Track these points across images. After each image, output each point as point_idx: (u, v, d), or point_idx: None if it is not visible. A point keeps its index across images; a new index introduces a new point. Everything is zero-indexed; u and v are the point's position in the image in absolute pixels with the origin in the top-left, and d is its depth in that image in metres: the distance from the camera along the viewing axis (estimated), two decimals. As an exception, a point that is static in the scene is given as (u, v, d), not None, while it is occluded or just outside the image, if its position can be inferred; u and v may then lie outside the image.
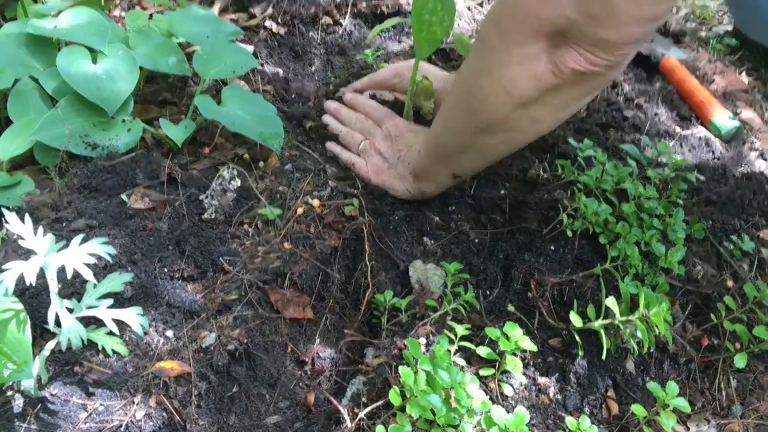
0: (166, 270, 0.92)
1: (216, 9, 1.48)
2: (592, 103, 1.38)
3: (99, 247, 0.71)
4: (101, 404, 0.77)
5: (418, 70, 1.15)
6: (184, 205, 1.00)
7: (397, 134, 1.12)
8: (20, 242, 0.68)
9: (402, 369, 0.75)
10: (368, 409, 0.79)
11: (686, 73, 1.50)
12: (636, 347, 0.88)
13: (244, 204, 1.03)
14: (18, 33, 1.11)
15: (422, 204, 1.11)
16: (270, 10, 1.48)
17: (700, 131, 1.38)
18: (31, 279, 0.66)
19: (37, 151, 1.04)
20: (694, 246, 1.10)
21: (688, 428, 0.92)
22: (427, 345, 0.87)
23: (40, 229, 0.71)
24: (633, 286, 0.92)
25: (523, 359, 0.89)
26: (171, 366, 0.82)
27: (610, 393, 0.92)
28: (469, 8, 1.57)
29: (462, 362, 0.86)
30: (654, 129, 1.36)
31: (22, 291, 0.82)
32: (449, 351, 0.84)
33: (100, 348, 0.80)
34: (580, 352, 0.90)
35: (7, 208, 0.95)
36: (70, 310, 0.75)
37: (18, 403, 0.75)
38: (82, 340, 0.73)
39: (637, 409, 0.82)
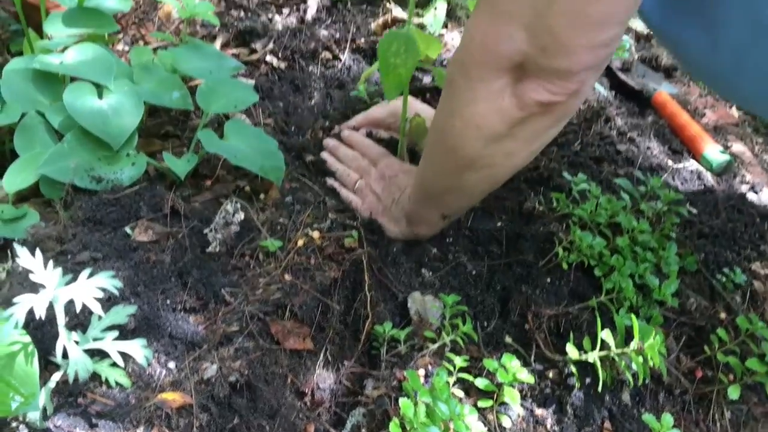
0: (168, 302, 0.93)
1: (218, 44, 1.51)
2: (586, 137, 1.41)
3: (106, 281, 0.73)
4: (104, 436, 0.78)
5: (410, 108, 1.17)
6: (187, 238, 1.02)
7: (391, 174, 1.15)
8: (30, 276, 0.70)
9: (402, 401, 0.76)
10: (368, 440, 0.80)
11: (677, 107, 1.53)
12: (631, 379, 0.90)
13: (246, 236, 1.05)
14: (25, 68, 1.14)
15: (420, 236, 1.12)
16: (271, 45, 1.51)
17: (691, 164, 1.41)
18: (40, 313, 0.67)
19: (43, 185, 1.05)
20: (687, 278, 1.12)
21: (684, 459, 0.93)
22: (426, 376, 0.89)
23: (50, 263, 0.73)
24: (628, 318, 0.94)
25: (520, 391, 0.90)
26: (173, 397, 0.83)
27: (607, 425, 0.93)
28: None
29: (461, 394, 0.87)
30: (647, 162, 1.39)
31: (27, 323, 0.83)
32: (448, 383, 0.85)
33: (103, 379, 0.81)
34: (576, 384, 0.91)
35: (13, 240, 0.97)
36: (76, 342, 0.77)
37: (23, 434, 0.76)
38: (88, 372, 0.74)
39: (633, 440, 0.83)
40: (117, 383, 0.81)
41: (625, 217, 1.08)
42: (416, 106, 1.27)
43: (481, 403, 0.86)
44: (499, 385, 0.87)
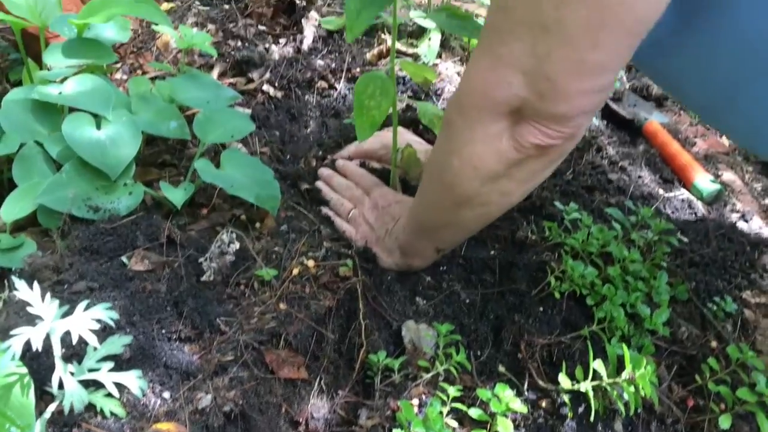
0: (164, 331, 0.94)
1: (215, 73, 1.53)
2: (578, 166, 1.43)
3: (103, 313, 0.74)
4: (99, 467, 0.78)
5: (402, 139, 1.18)
6: (183, 267, 1.02)
7: (384, 204, 1.16)
8: (28, 309, 0.71)
9: (395, 432, 0.77)
10: (362, 471, 0.81)
11: (668, 136, 1.55)
12: (623, 409, 0.90)
13: (241, 265, 1.06)
14: (24, 98, 1.15)
15: (414, 264, 1.14)
16: (267, 75, 1.53)
17: (682, 193, 1.43)
18: (37, 345, 0.68)
19: (41, 214, 1.06)
20: (678, 307, 1.13)
21: (677, 489, 0.93)
22: (420, 406, 0.89)
23: (47, 295, 0.73)
24: (619, 347, 0.95)
25: (513, 420, 0.91)
26: (167, 428, 0.84)
27: (600, 454, 0.94)
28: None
29: (454, 424, 0.88)
30: (638, 191, 1.41)
31: (23, 353, 0.84)
32: (441, 413, 0.86)
33: (98, 409, 0.81)
34: (569, 414, 0.92)
35: (10, 269, 0.97)
36: (72, 374, 0.77)
37: (17, 466, 0.76)
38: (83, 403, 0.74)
39: (626, 470, 0.84)
40: (112, 413, 0.81)
41: (616, 246, 1.10)
42: (407, 137, 1.29)
43: (474, 433, 0.87)
44: (493, 415, 0.87)
